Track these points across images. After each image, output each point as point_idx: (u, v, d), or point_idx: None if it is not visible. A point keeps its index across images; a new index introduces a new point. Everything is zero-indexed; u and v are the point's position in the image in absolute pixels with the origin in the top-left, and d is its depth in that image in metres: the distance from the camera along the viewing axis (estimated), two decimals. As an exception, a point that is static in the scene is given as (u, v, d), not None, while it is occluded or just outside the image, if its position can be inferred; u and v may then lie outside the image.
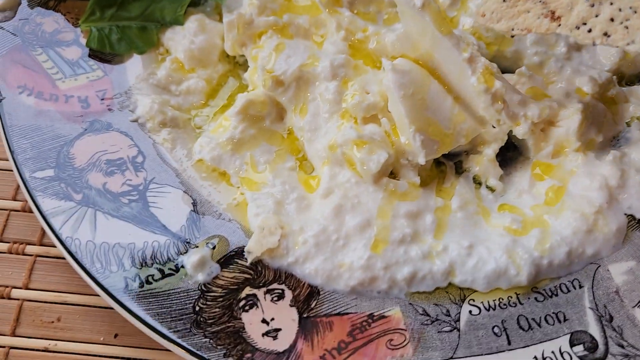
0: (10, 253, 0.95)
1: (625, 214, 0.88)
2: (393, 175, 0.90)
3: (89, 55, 1.02)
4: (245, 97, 0.96)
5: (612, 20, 0.86)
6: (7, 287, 0.92)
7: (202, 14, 1.07)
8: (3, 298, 0.91)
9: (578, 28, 0.88)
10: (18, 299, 0.91)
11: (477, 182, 0.93)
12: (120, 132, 0.95)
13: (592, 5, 0.87)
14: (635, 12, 0.85)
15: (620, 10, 0.85)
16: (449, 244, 0.85)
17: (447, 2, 1.05)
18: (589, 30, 0.87)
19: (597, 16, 0.86)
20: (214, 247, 0.85)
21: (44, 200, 0.86)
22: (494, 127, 0.91)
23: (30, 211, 0.97)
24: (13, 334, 0.88)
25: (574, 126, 0.90)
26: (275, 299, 0.82)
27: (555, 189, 0.88)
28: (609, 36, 0.85)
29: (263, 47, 0.99)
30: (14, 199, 1.00)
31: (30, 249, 0.95)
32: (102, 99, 0.97)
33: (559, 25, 0.88)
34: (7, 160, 0.96)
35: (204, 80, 1.02)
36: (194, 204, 0.89)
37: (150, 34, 1.06)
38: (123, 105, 0.97)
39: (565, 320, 0.81)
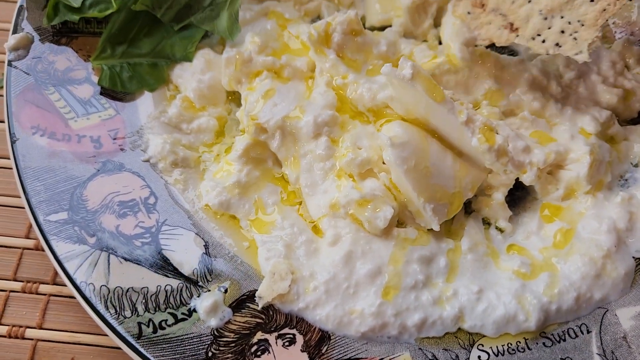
0: (24, 292, 0.96)
1: (634, 257, 0.89)
2: (400, 223, 0.91)
3: (101, 93, 1.03)
4: (244, 141, 0.96)
5: (562, 32, 0.93)
6: (21, 327, 0.93)
7: (208, 48, 1.08)
8: (17, 338, 0.92)
9: (533, 39, 0.95)
10: (32, 339, 0.92)
11: (486, 222, 0.94)
12: (132, 173, 0.96)
13: (545, 19, 0.94)
14: (583, 24, 0.92)
15: (569, 23, 0.93)
16: (459, 288, 0.86)
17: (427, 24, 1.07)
18: (543, 41, 0.94)
19: (549, 28, 0.94)
20: (225, 291, 0.86)
21: (58, 244, 0.87)
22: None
23: (43, 249, 0.98)
24: (28, 375, 0.89)
25: (584, 170, 0.91)
26: (287, 344, 0.83)
27: (564, 232, 0.89)
28: (560, 46, 0.93)
29: (255, 89, 1.00)
30: (27, 237, 1.01)
31: (43, 288, 0.97)
32: (115, 139, 0.98)
33: (517, 36, 0.95)
34: (19, 197, 0.98)
35: (215, 119, 1.03)
36: (206, 246, 0.90)
37: (160, 70, 1.07)
38: (135, 144, 0.98)
39: (573, 366, 0.82)
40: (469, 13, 1.00)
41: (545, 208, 0.93)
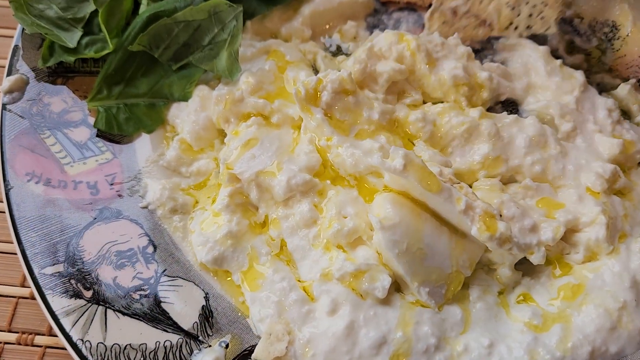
0: (19, 344, 0.93)
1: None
2: (398, 290, 0.86)
3: (97, 135, 1.00)
4: (227, 191, 0.91)
5: (530, 15, 1.07)
6: (16, 381, 0.90)
7: (204, 85, 1.04)
8: (12, 394, 0.89)
9: (507, 28, 1.08)
10: (27, 395, 0.89)
11: (492, 268, 0.91)
12: (130, 220, 0.93)
13: (513, 8, 1.08)
14: (546, 5, 1.06)
15: (534, 6, 1.07)
16: (470, 342, 0.82)
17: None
18: (516, 28, 1.08)
19: (519, 15, 1.08)
20: (227, 346, 0.84)
21: (54, 298, 0.85)
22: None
23: (39, 299, 0.96)
24: None
25: (602, 232, 0.87)
26: (290, 402, 0.80)
27: (572, 287, 0.86)
28: (531, 27, 1.07)
29: (239, 134, 0.96)
30: (23, 286, 0.98)
31: (39, 339, 0.94)
32: (112, 184, 0.96)
33: (492, 29, 1.09)
34: (13, 242, 0.95)
35: (213, 161, 1.00)
36: (206, 298, 0.88)
37: (158, 111, 1.04)
38: (133, 190, 0.96)
39: None
40: (444, 23, 1.08)
41: (556, 265, 0.89)
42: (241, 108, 0.99)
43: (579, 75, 1.04)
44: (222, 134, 1.02)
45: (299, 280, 0.87)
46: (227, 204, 0.91)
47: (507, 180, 0.96)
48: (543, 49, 1.06)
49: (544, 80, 1.04)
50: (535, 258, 0.85)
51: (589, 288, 0.86)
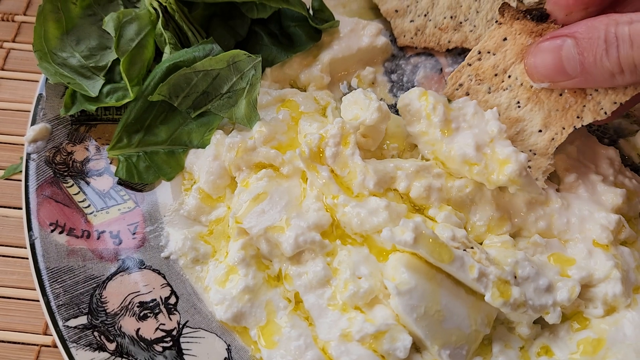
0: (42, 394, 0.94)
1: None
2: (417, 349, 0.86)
3: (119, 183, 1.02)
4: (239, 244, 0.91)
5: None
6: None
7: (221, 130, 1.04)
8: None
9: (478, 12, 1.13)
10: None
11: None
12: (152, 270, 0.94)
13: None
14: (535, 153, 0.94)
15: None
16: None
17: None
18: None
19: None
20: (249, 399, 0.84)
21: (78, 352, 0.85)
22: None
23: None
24: None
25: (618, 287, 0.87)
26: None
27: (593, 341, 0.85)
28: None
29: (248, 187, 0.96)
30: (45, 334, 0.99)
31: (62, 389, 0.94)
32: (134, 233, 0.97)
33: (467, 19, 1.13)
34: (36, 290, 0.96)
35: (228, 209, 1.00)
36: (229, 350, 0.88)
37: (177, 158, 1.05)
38: (155, 239, 0.97)
39: None
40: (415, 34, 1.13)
41: (574, 320, 0.89)
42: (253, 157, 0.99)
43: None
44: (234, 182, 1.01)
45: (317, 340, 0.86)
46: (243, 257, 0.91)
47: (514, 235, 0.95)
48: None
49: None
50: (551, 318, 0.85)
51: (609, 342, 0.85)
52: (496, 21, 0.96)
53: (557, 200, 0.94)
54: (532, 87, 0.93)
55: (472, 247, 0.85)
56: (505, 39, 0.95)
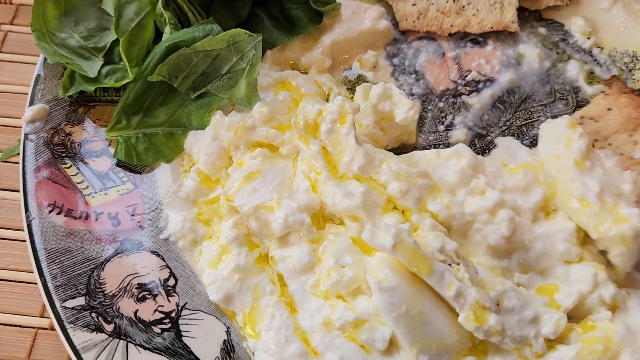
0: (39, 376, 0.93)
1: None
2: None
3: (118, 165, 1.00)
4: (231, 223, 0.91)
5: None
6: (36, 415, 0.90)
7: (220, 111, 1.03)
8: None
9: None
10: None
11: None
12: (151, 252, 0.93)
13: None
14: None
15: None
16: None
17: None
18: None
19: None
20: (249, 382, 0.83)
21: (75, 332, 0.84)
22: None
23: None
24: None
25: (610, 287, 0.85)
26: None
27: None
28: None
29: (242, 165, 0.95)
30: (42, 316, 0.98)
31: (59, 371, 0.94)
32: (133, 215, 0.96)
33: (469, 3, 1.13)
34: (33, 272, 0.95)
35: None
36: (228, 332, 0.87)
37: (177, 140, 1.04)
38: (154, 221, 0.96)
39: None
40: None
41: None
42: (252, 136, 0.98)
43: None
44: (231, 163, 1.00)
45: (298, 330, 0.85)
46: (236, 235, 0.90)
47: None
48: None
49: None
50: (536, 350, 0.82)
51: (618, 337, 0.82)
52: (602, 92, 1.03)
53: (522, 240, 0.90)
54: (632, 158, 0.96)
55: (458, 264, 0.82)
56: (609, 109, 0.98)
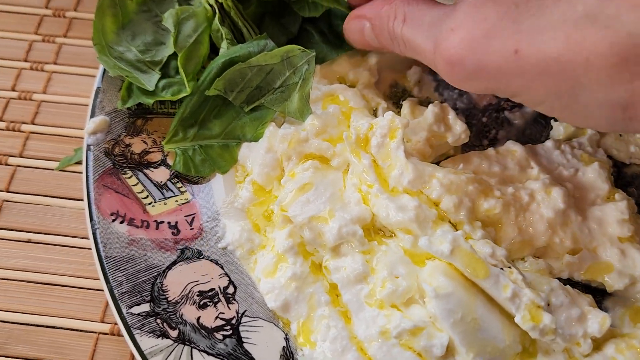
0: (102, 379, 0.97)
1: None
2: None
3: (175, 176, 1.04)
4: (286, 232, 0.94)
5: None
6: (100, 416, 0.93)
7: (273, 123, 1.06)
8: None
9: None
10: None
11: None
12: (210, 261, 0.96)
13: None
14: None
15: None
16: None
17: None
18: None
19: None
20: (309, 388, 0.86)
21: (142, 338, 0.88)
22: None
23: (119, 334, 0.99)
24: None
25: None
26: None
27: None
28: None
29: (295, 176, 0.98)
30: (102, 322, 1.02)
31: (121, 375, 0.97)
32: (192, 224, 0.99)
33: None
34: (94, 279, 0.99)
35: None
36: (287, 339, 0.90)
37: (231, 151, 1.08)
38: (212, 230, 0.99)
39: None
40: None
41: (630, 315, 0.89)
42: (305, 148, 1.01)
43: None
44: (283, 174, 1.03)
45: (354, 339, 0.88)
46: (292, 245, 0.93)
47: (539, 256, 0.94)
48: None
49: None
50: (583, 350, 0.84)
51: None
52: None
53: (577, 216, 0.94)
54: None
55: (509, 267, 0.86)
56: None
